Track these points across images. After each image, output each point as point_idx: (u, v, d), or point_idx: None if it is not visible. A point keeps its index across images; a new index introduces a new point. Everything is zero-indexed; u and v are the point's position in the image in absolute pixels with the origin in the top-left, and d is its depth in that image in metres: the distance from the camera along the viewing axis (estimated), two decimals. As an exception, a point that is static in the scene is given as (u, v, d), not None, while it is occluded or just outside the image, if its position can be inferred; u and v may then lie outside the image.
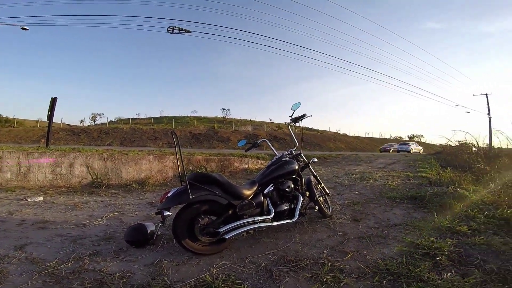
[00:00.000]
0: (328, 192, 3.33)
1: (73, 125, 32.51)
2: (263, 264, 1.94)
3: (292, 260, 1.99)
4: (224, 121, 38.26)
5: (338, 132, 45.23)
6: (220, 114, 40.96)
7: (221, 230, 2.10)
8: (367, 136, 46.69)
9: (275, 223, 2.40)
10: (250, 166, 8.63)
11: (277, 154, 2.99)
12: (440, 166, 8.11)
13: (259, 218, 2.31)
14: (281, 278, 1.75)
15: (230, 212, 2.24)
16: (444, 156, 12.32)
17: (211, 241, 2.16)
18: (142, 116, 42.37)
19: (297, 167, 2.76)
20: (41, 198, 3.96)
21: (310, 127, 44.16)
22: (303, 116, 3.06)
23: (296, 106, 3.06)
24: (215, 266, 1.90)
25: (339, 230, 2.70)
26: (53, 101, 7.12)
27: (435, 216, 2.97)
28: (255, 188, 2.46)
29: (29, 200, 3.78)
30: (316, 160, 3.27)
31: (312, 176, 3.10)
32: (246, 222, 2.24)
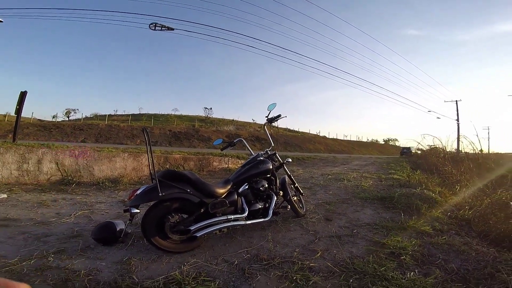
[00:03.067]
0: (302, 192, 3.42)
1: (44, 120, 30.56)
2: (236, 262, 1.98)
3: (264, 259, 2.03)
4: (205, 120, 37.79)
5: (318, 134, 46.49)
6: (202, 113, 40.44)
7: (192, 228, 2.09)
8: (345, 138, 48.46)
9: (248, 222, 2.44)
10: (230, 165, 8.63)
11: (253, 153, 3.03)
12: (410, 168, 8.62)
13: (232, 216, 2.33)
14: (253, 276, 1.79)
15: (202, 210, 2.24)
16: (414, 159, 13.08)
17: (183, 239, 2.14)
18: (120, 112, 40.70)
19: (271, 167, 2.82)
20: (5, 196, 3.71)
21: (291, 128, 44.96)
22: (278, 116, 3.13)
23: (272, 106, 3.13)
24: (186, 264, 1.91)
25: (311, 229, 2.78)
26: (23, 95, 6.69)
27: (402, 217, 3.13)
28: (229, 186, 2.49)
29: (-11, 197, 3.54)
30: (290, 160, 3.36)
31: (286, 176, 3.18)
32: (219, 220, 2.26)
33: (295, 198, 3.21)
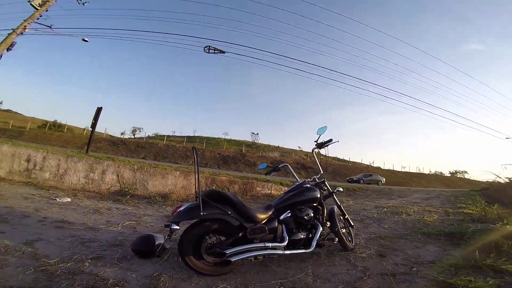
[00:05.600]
0: (352, 224, 3.07)
1: (114, 137, 35.34)
2: None
3: None
4: (252, 145, 38.69)
5: (371, 164, 42.91)
6: (249, 138, 41.71)
7: (227, 252, 1.98)
8: (403, 170, 43.42)
9: (287, 252, 2.23)
10: (273, 191, 8.37)
11: (299, 180, 2.85)
12: (485, 202, 7.15)
13: (270, 244, 2.16)
14: None
15: (241, 234, 2.12)
16: (491, 192, 10.94)
17: (216, 262, 2.04)
18: (177, 133, 44.85)
19: (319, 195, 2.61)
20: (69, 200, 4.14)
21: (341, 157, 42.67)
22: (329, 141, 2.90)
23: (322, 130, 2.92)
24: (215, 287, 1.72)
25: (360, 265, 2.42)
26: (98, 110, 7.79)
27: (477, 254, 2.53)
28: (270, 212, 2.35)
29: (57, 200, 3.98)
30: (341, 189, 3.04)
31: (335, 206, 2.90)
32: (256, 247, 2.10)
33: (344, 230, 2.87)
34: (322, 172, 2.94)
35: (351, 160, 42.20)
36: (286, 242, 2.24)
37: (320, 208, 2.64)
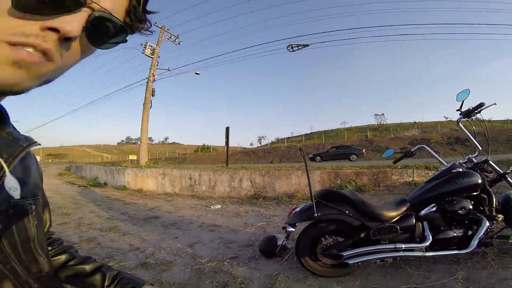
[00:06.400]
0: None
1: (246, 148, 41.24)
2: None
3: None
4: (379, 128, 34.16)
5: None
6: (373, 121, 37.20)
7: (344, 254, 1.85)
8: None
9: (430, 253, 1.83)
10: (416, 178, 6.94)
11: (445, 164, 2.27)
12: None
13: (404, 245, 1.84)
14: None
15: (363, 235, 1.93)
16: None
17: (333, 264, 1.96)
18: (295, 134, 46.79)
19: (480, 181, 1.97)
20: (219, 206, 5.17)
21: (502, 118, 29.91)
22: (480, 106, 2.15)
23: (463, 95, 2.22)
24: None
25: None
26: (227, 130, 9.37)
27: None
28: (404, 209, 2.00)
29: (211, 207, 5.06)
30: None
31: None
32: (383, 248, 1.85)
33: None
34: (479, 149, 2.21)
35: None
36: (429, 242, 1.85)
37: (486, 197, 2.00)
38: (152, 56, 13.38)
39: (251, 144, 46.78)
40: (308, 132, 45.40)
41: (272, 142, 41.03)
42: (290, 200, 5.58)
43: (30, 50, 0.27)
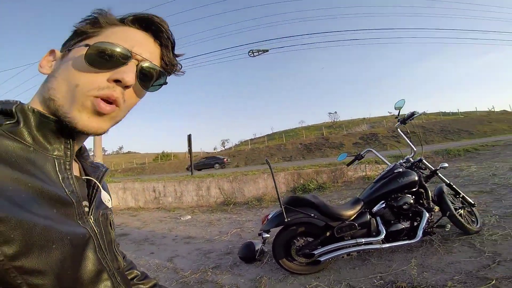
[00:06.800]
0: (473, 202, 2.59)
1: (209, 153, 40.57)
2: None
3: (402, 287, 1.71)
4: (333, 125, 36.75)
5: (492, 110, 33.35)
6: (327, 119, 39.82)
7: (316, 252, 2.09)
8: None
9: (386, 245, 2.14)
10: (368, 172, 7.76)
11: (389, 164, 2.65)
12: None
13: (363, 240, 2.13)
14: None
15: (328, 234, 2.18)
16: None
17: (308, 262, 2.17)
18: (258, 135, 47.58)
19: (416, 178, 2.35)
20: (189, 217, 5.14)
21: (447, 111, 35.16)
22: (413, 115, 2.62)
23: (400, 103, 2.66)
24: (308, 286, 1.92)
25: (488, 250, 2.06)
26: (189, 137, 9.26)
27: None
28: (359, 207, 2.31)
29: (181, 218, 5.02)
30: (446, 165, 2.63)
31: (444, 185, 2.55)
32: (347, 244, 2.12)
33: (462, 211, 2.49)
34: (415, 150, 2.65)
35: (461, 111, 34.13)
36: (383, 235, 2.16)
37: (423, 191, 2.38)
38: None
39: (214, 149, 46.23)
40: (270, 132, 46.69)
41: (236, 145, 41.13)
42: (260, 204, 5.78)
43: (106, 103, 0.38)
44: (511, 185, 3.80)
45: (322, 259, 2.06)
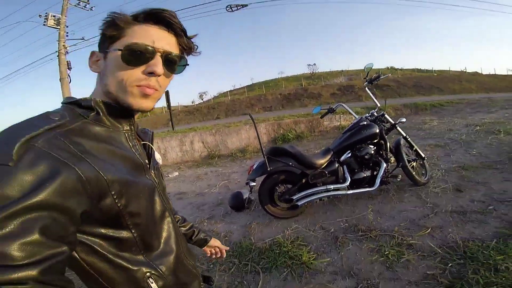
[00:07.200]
0: (423, 155, 2.94)
1: (188, 106, 39.33)
2: (332, 230, 2.20)
3: (362, 229, 2.11)
4: (312, 77, 36.40)
5: (464, 71, 34.38)
6: (307, 71, 39.13)
7: (294, 197, 2.40)
8: (510, 73, 32.71)
9: (350, 192, 2.46)
10: (342, 122, 8.22)
11: (356, 117, 2.90)
12: None
13: (332, 186, 2.44)
14: (344, 245, 1.96)
15: (304, 181, 2.46)
16: None
17: (288, 207, 2.52)
18: (237, 86, 46.17)
19: (377, 131, 2.60)
20: (177, 173, 5.43)
21: (421, 68, 35.73)
22: (378, 77, 2.88)
23: (369, 66, 2.89)
24: (289, 228, 2.32)
25: (431, 202, 2.42)
26: (167, 94, 8.99)
27: None
28: (329, 156, 2.56)
29: (169, 176, 5.28)
30: (404, 120, 2.94)
31: (401, 138, 2.85)
32: (319, 190, 2.42)
33: (414, 163, 2.85)
34: (379, 105, 2.92)
35: (435, 69, 34.74)
36: (348, 182, 2.46)
37: (383, 143, 2.66)
38: (58, 27, 11.03)
39: (192, 102, 44.59)
40: (250, 83, 45.40)
41: (215, 97, 39.98)
42: (243, 155, 6.11)
43: (147, 88, 0.51)
44: (463, 141, 4.20)
45: (299, 203, 2.38)
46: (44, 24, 11.06)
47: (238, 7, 10.54)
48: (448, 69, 35.66)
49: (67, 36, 11.30)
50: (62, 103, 0.51)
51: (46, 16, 10.96)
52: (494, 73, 32.15)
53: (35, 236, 0.33)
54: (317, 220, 2.44)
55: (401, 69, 37.21)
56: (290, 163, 2.42)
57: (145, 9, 0.52)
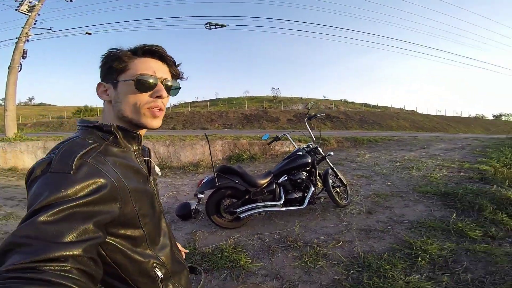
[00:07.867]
0: (346, 183, 3.51)
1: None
2: (266, 240, 2.53)
3: (290, 240, 2.49)
4: (274, 100, 38.41)
5: (403, 109, 40.57)
6: (270, 93, 41.20)
7: (237, 210, 2.72)
8: (438, 114, 39.84)
9: (284, 208, 2.88)
10: (291, 149, 8.91)
11: (296, 147, 3.39)
12: None
13: (269, 203, 2.82)
14: (275, 252, 2.31)
15: (247, 196, 2.80)
16: None
17: (232, 218, 2.80)
18: (200, 99, 45.81)
19: (309, 160, 3.10)
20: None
21: (369, 103, 40.94)
22: (315, 115, 3.43)
23: (310, 105, 3.53)
24: (232, 237, 2.59)
25: (346, 221, 2.91)
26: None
27: (453, 217, 2.79)
28: (269, 178, 2.97)
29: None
30: (332, 153, 3.54)
31: (329, 168, 3.40)
32: (258, 205, 2.79)
33: (338, 189, 3.37)
34: (314, 140, 3.45)
35: (380, 105, 40.20)
36: (282, 200, 2.87)
37: (314, 171, 3.15)
38: (29, 14, 10.18)
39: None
40: (214, 98, 45.47)
41: (175, 106, 38.85)
42: (196, 169, 6.16)
43: (156, 110, 0.63)
44: (383, 174, 4.89)
45: (242, 215, 2.69)
46: (16, 9, 10.18)
47: (217, 26, 11.08)
48: (390, 106, 41.15)
49: (34, 24, 10.43)
50: (79, 125, 0.63)
51: (22, 1, 10.10)
52: (426, 113, 38.13)
53: (87, 224, 0.44)
54: (256, 231, 2.75)
55: (352, 103, 41.54)
56: (237, 181, 2.74)
57: (141, 45, 0.64)
